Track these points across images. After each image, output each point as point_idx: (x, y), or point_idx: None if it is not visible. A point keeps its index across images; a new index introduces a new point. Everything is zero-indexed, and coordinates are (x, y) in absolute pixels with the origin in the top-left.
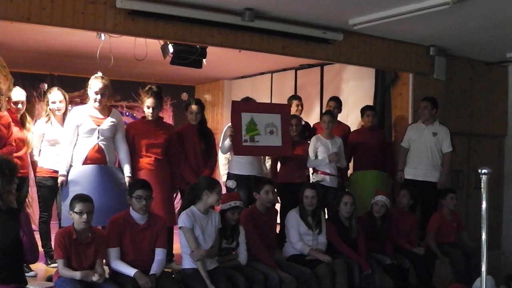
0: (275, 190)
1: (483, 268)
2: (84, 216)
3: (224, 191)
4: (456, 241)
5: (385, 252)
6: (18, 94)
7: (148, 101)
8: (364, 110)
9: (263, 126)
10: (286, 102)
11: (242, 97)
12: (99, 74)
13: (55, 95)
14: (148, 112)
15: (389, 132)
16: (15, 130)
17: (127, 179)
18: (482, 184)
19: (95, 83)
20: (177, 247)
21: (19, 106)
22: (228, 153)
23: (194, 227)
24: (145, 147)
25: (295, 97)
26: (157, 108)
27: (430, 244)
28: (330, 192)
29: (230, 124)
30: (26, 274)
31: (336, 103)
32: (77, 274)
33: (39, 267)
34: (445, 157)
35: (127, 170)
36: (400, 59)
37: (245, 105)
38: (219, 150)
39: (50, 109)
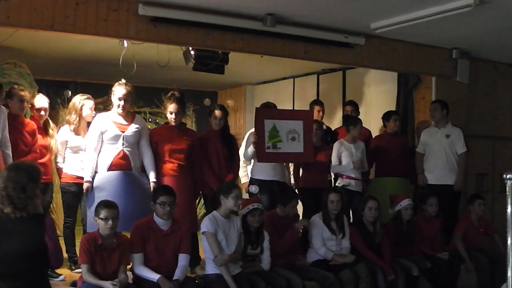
0: None
1: (509, 274)
2: (110, 222)
3: (245, 195)
4: (482, 247)
5: (413, 256)
6: (41, 101)
7: (171, 107)
8: (389, 115)
9: (285, 133)
10: (308, 107)
11: (263, 102)
12: (123, 81)
13: (91, 103)
14: (171, 117)
15: (412, 136)
16: (38, 137)
17: (152, 185)
18: (507, 189)
19: (119, 90)
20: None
21: (42, 113)
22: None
23: (217, 232)
24: (168, 153)
25: (316, 102)
26: (180, 114)
27: (457, 247)
28: (355, 196)
29: (252, 130)
30: (56, 279)
31: (353, 107)
32: (101, 283)
33: (64, 272)
34: (460, 158)
35: (152, 176)
36: (422, 63)
37: (268, 112)
38: (242, 156)
39: (82, 116)
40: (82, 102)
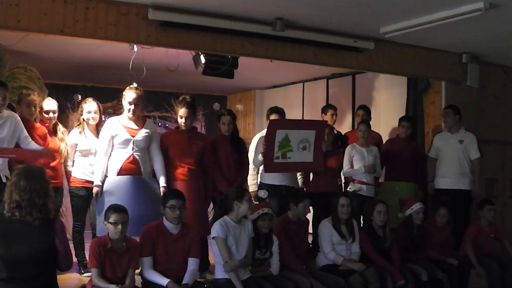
0: None
1: None
2: (119, 226)
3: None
4: (492, 252)
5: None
6: (49, 103)
7: (181, 111)
8: (401, 120)
9: (296, 142)
10: (318, 112)
11: (272, 107)
12: (134, 85)
13: (90, 105)
14: (181, 122)
15: (422, 141)
16: (49, 140)
17: (162, 189)
18: None
19: (129, 94)
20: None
21: (50, 115)
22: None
23: (227, 237)
24: (179, 157)
25: (330, 106)
26: (190, 118)
27: (467, 252)
28: (367, 201)
29: (261, 135)
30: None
31: (365, 111)
32: (110, 287)
33: (73, 276)
34: (474, 164)
35: (162, 181)
36: (432, 67)
37: (282, 122)
38: (251, 163)
39: (83, 119)
40: (82, 105)
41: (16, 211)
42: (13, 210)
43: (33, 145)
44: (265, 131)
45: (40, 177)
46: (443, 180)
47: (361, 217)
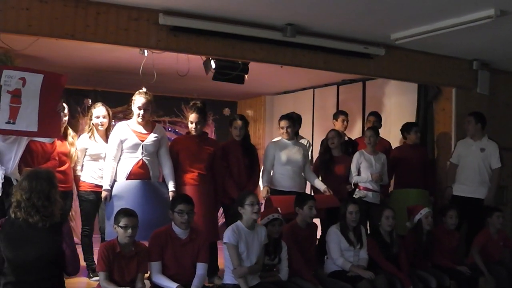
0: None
1: None
2: (129, 230)
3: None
4: (502, 259)
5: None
6: None
7: (191, 117)
8: (411, 127)
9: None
10: (329, 117)
11: (284, 113)
12: (144, 89)
13: (99, 110)
14: (191, 127)
15: (431, 148)
16: (57, 144)
17: (171, 194)
18: None
19: (139, 99)
20: (222, 262)
21: None
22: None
23: (238, 243)
24: (189, 163)
25: (341, 112)
26: (200, 123)
27: (475, 260)
28: (372, 208)
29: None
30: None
31: (376, 118)
32: None
33: (82, 280)
34: (494, 173)
35: (171, 185)
36: (442, 74)
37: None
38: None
39: (93, 124)
40: (91, 110)
41: (17, 211)
42: (15, 210)
43: None
44: (278, 137)
45: (43, 180)
46: (461, 187)
47: (367, 223)
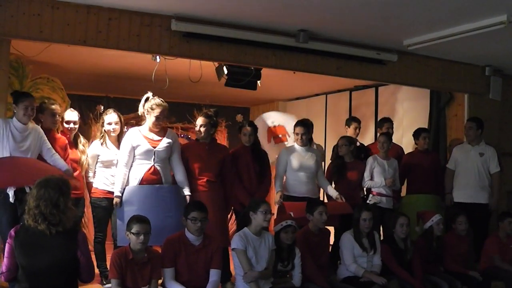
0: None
1: None
2: (141, 237)
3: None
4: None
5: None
6: (70, 114)
7: (198, 120)
8: (419, 133)
9: None
10: (341, 123)
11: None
12: (156, 97)
13: (111, 117)
14: (197, 130)
15: (444, 154)
16: (68, 151)
17: (187, 198)
18: None
19: (157, 109)
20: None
21: (71, 125)
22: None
23: (246, 249)
24: (198, 169)
25: (354, 119)
26: (206, 127)
27: (497, 265)
28: (386, 213)
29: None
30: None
31: (390, 124)
32: None
33: (94, 287)
34: (493, 178)
35: (186, 190)
36: (455, 80)
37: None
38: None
39: (105, 130)
40: (103, 116)
41: (28, 217)
42: (26, 217)
43: (57, 159)
44: (291, 144)
45: (52, 188)
46: (462, 193)
47: (381, 229)
